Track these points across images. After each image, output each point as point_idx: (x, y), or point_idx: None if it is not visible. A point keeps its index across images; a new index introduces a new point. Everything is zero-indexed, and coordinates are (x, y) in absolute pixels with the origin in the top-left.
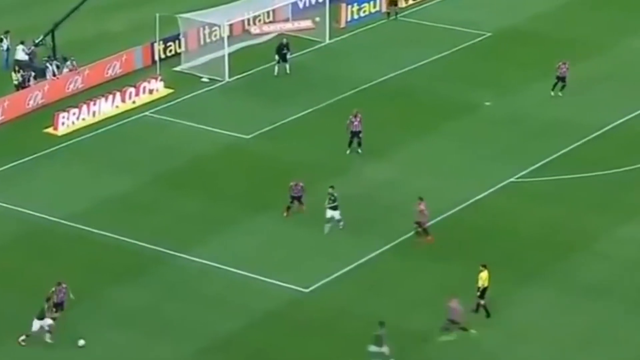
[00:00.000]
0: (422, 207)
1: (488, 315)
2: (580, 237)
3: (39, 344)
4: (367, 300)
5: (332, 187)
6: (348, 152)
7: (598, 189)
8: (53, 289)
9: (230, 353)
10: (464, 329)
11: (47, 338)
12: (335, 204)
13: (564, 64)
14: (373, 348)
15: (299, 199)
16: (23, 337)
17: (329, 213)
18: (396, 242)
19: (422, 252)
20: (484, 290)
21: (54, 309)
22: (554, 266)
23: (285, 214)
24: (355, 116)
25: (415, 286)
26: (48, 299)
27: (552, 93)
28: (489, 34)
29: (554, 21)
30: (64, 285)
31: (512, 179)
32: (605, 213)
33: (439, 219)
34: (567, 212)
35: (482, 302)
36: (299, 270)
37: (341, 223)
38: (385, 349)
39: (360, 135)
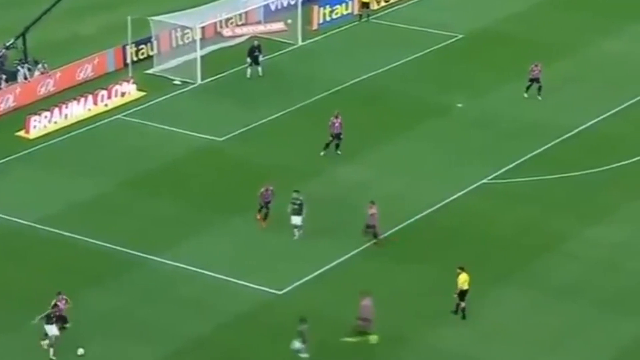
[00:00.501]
0: (373, 210)
1: (463, 317)
2: (552, 238)
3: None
4: (340, 303)
5: (296, 191)
6: (322, 153)
7: (569, 190)
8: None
9: (203, 355)
10: (366, 334)
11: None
12: (299, 208)
13: (536, 66)
14: (297, 345)
15: (267, 204)
16: (46, 342)
17: (292, 219)
18: (369, 244)
19: (395, 253)
20: (463, 293)
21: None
22: (526, 267)
23: (263, 224)
24: (337, 117)
25: (388, 288)
26: (54, 306)
27: (526, 95)
28: (461, 36)
29: (525, 23)
30: (63, 295)
31: (484, 180)
32: (577, 214)
33: (412, 220)
34: (539, 213)
35: (462, 304)
36: (272, 272)
37: (300, 231)
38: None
39: (341, 137)
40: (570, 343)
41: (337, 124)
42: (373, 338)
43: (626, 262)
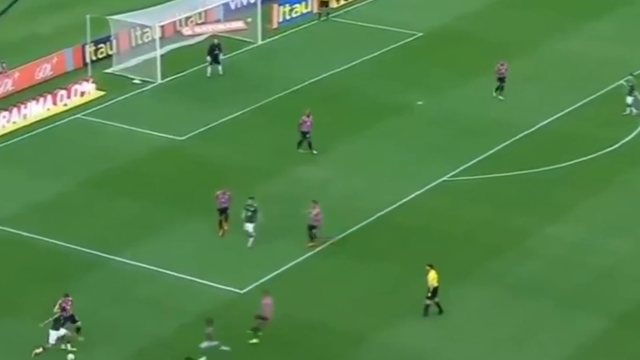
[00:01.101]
0: (316, 210)
1: (440, 311)
2: (511, 235)
3: None
4: (302, 301)
5: (251, 198)
6: (301, 150)
7: (528, 187)
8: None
9: (166, 355)
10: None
11: (68, 347)
12: (252, 215)
13: (502, 65)
14: (205, 344)
15: (225, 210)
16: (40, 350)
17: (245, 226)
18: (330, 242)
19: (354, 252)
20: (434, 290)
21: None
22: (486, 265)
23: (220, 234)
24: (308, 116)
25: (349, 287)
26: (63, 309)
27: (494, 94)
28: (420, 34)
29: (483, 21)
30: (69, 298)
31: (444, 178)
32: (535, 212)
33: (371, 219)
34: (498, 211)
35: (429, 302)
36: (233, 272)
37: (252, 239)
38: (215, 343)
39: (307, 135)
40: (530, 340)
41: (308, 123)
42: (256, 338)
43: (584, 260)
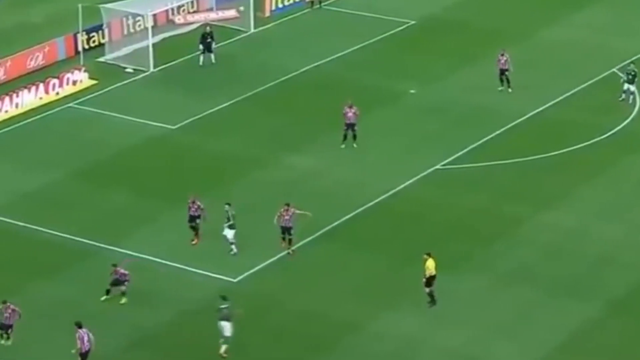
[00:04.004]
0: (290, 212)
1: (433, 303)
2: (504, 223)
3: None
4: (296, 290)
5: (228, 204)
6: (342, 146)
7: (521, 175)
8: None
9: (160, 344)
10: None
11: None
12: (231, 222)
13: (502, 55)
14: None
15: (194, 219)
16: None
17: (225, 232)
18: (323, 230)
19: (348, 240)
20: (430, 279)
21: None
22: (479, 252)
23: (193, 242)
24: (350, 107)
25: (343, 275)
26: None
27: (501, 88)
28: (413, 22)
29: (475, 9)
30: (9, 304)
31: (437, 167)
32: (528, 199)
33: (365, 207)
34: (491, 199)
35: (427, 290)
36: (227, 260)
37: (233, 246)
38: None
39: (355, 127)
40: (524, 327)
41: (350, 114)
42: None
43: (578, 247)
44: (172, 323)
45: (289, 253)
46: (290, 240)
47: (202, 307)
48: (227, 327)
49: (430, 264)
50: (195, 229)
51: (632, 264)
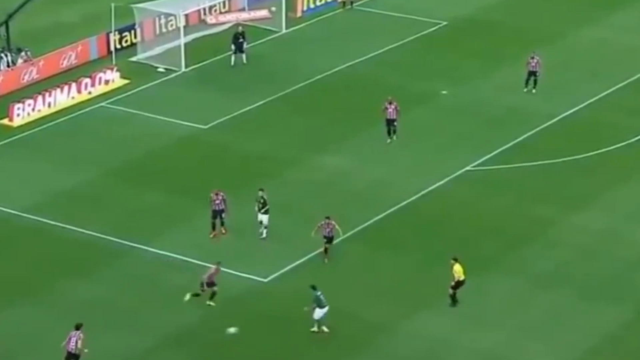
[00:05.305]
0: (332, 225)
1: (454, 304)
2: (535, 225)
3: None
4: (326, 290)
5: (261, 189)
6: (388, 141)
7: (552, 177)
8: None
9: (190, 344)
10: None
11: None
12: (265, 207)
13: (533, 58)
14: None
15: (220, 213)
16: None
17: (259, 217)
18: (354, 231)
19: (378, 241)
20: (458, 283)
21: None
22: (510, 254)
23: (211, 235)
24: (390, 103)
25: (373, 275)
26: None
27: (525, 89)
28: (445, 23)
29: (508, 10)
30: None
31: (468, 168)
32: (560, 201)
33: (395, 208)
34: (522, 201)
35: (451, 291)
36: (258, 260)
37: (265, 230)
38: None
39: (395, 123)
40: (554, 329)
41: (390, 110)
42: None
43: (609, 249)
44: (202, 321)
45: (324, 261)
46: (326, 249)
47: (231, 308)
48: (320, 313)
49: (458, 269)
50: (217, 224)
51: None
